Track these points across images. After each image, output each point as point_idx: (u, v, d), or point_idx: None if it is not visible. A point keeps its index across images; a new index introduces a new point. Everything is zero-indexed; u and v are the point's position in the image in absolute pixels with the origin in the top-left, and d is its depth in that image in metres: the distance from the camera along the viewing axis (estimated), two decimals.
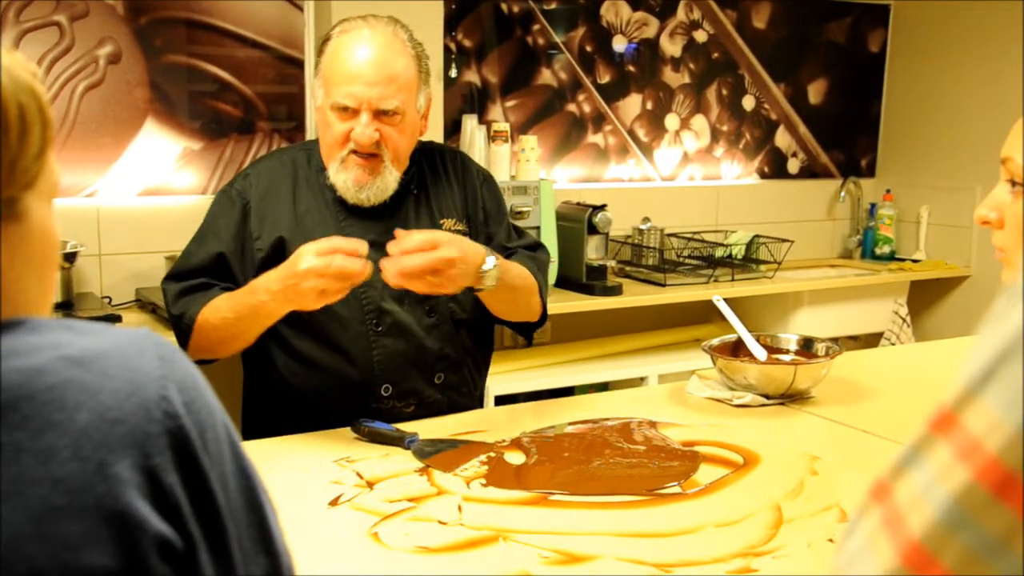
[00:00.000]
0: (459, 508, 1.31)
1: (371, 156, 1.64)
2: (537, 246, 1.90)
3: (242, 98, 2.93)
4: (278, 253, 1.65)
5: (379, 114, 1.63)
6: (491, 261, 1.60)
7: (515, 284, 1.70)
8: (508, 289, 1.67)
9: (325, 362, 1.68)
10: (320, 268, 1.46)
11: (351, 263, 1.46)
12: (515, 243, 1.85)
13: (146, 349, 0.63)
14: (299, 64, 2.99)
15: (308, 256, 1.47)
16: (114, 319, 2.41)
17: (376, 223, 1.70)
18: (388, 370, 1.69)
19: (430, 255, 1.49)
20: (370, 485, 1.39)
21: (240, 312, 1.60)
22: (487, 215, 1.84)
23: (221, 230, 1.70)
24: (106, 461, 0.58)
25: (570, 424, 1.68)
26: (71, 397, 0.59)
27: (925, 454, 0.56)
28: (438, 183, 1.80)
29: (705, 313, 3.56)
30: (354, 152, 1.64)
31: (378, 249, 1.67)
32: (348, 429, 1.60)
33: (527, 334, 1.90)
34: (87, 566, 0.57)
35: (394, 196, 1.72)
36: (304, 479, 1.41)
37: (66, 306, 2.47)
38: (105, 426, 0.59)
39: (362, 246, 1.48)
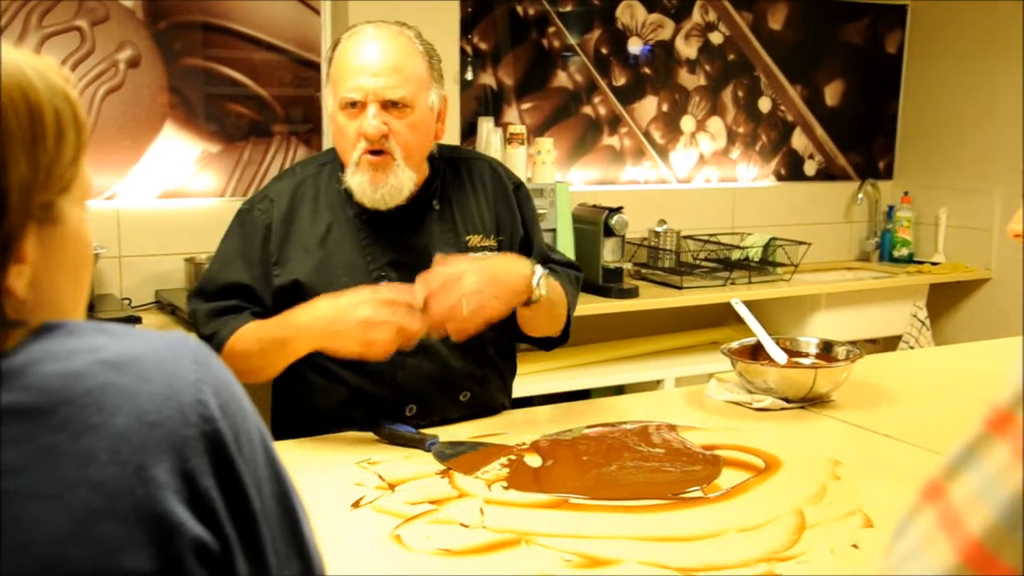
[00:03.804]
0: (481, 511, 1.32)
1: (382, 154, 1.60)
2: (571, 264, 1.86)
3: (259, 101, 2.95)
4: (295, 286, 1.63)
5: (387, 106, 1.59)
6: (539, 271, 1.58)
7: (556, 300, 1.66)
8: (550, 304, 1.63)
9: (350, 380, 1.65)
10: (380, 320, 1.44)
11: (412, 321, 1.43)
12: (554, 255, 1.83)
13: (182, 353, 0.64)
14: (315, 67, 3.00)
15: (367, 306, 1.44)
16: (134, 320, 2.43)
17: (397, 240, 1.67)
18: (413, 390, 1.66)
19: (449, 299, 1.46)
20: (392, 487, 1.39)
21: (265, 345, 1.58)
22: (527, 227, 1.80)
23: (246, 254, 1.67)
24: (144, 464, 0.59)
25: (588, 427, 1.68)
26: (109, 401, 0.59)
27: (981, 454, 0.56)
28: (463, 196, 1.74)
29: (722, 316, 3.55)
30: (366, 153, 1.60)
31: (398, 268, 1.66)
32: (369, 432, 1.61)
33: (547, 348, 1.86)
34: (126, 569, 0.57)
35: (415, 211, 1.68)
36: (326, 481, 1.42)
37: (87, 307, 2.49)
38: (143, 430, 0.59)
39: (417, 295, 1.44)
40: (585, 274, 2.66)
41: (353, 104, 1.59)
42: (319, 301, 1.54)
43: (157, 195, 2.83)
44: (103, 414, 0.59)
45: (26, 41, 2.59)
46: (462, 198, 1.75)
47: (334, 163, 1.71)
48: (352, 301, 1.48)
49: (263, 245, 1.67)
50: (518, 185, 1.83)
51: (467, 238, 1.72)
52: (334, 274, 1.64)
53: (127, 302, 2.71)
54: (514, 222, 1.79)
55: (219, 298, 1.67)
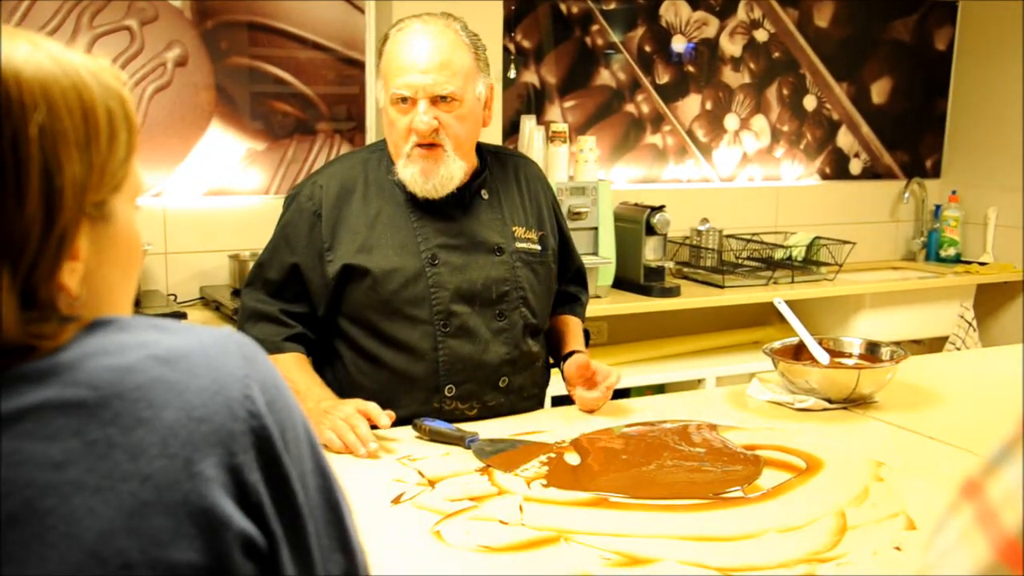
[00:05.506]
0: (520, 508, 1.32)
1: (433, 146, 1.65)
2: (579, 270, 1.99)
3: (303, 99, 2.98)
4: (347, 270, 1.68)
5: (436, 101, 1.63)
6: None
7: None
8: None
9: (392, 361, 1.70)
10: (337, 428, 1.53)
11: (357, 446, 1.51)
12: (569, 264, 1.94)
13: (230, 349, 0.65)
14: (359, 65, 3.03)
15: (339, 412, 1.55)
16: (180, 316, 2.47)
17: (448, 224, 1.72)
18: (452, 371, 1.69)
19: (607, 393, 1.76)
20: (432, 484, 1.40)
21: None
22: (560, 225, 1.90)
23: (293, 239, 1.72)
24: (192, 459, 0.60)
25: (627, 426, 1.67)
26: (158, 395, 0.61)
27: (1018, 452, 0.56)
28: (509, 189, 1.81)
29: (764, 315, 3.52)
30: (417, 145, 1.65)
31: (448, 251, 1.70)
32: (409, 428, 1.62)
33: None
34: (175, 561, 0.58)
35: (466, 198, 1.73)
36: (367, 477, 1.43)
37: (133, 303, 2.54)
38: (191, 424, 0.61)
39: (385, 418, 1.55)
40: (624, 273, 2.76)
41: (404, 100, 1.64)
42: (312, 388, 1.64)
43: (203, 193, 2.87)
44: (153, 408, 0.60)
45: (77, 41, 2.64)
46: (509, 191, 1.81)
47: (383, 151, 1.76)
48: (335, 404, 1.58)
49: (311, 231, 1.71)
50: (546, 181, 1.91)
51: (513, 228, 1.78)
52: (383, 254, 1.68)
53: (172, 298, 2.75)
54: (553, 225, 1.87)
55: (266, 291, 1.74)
